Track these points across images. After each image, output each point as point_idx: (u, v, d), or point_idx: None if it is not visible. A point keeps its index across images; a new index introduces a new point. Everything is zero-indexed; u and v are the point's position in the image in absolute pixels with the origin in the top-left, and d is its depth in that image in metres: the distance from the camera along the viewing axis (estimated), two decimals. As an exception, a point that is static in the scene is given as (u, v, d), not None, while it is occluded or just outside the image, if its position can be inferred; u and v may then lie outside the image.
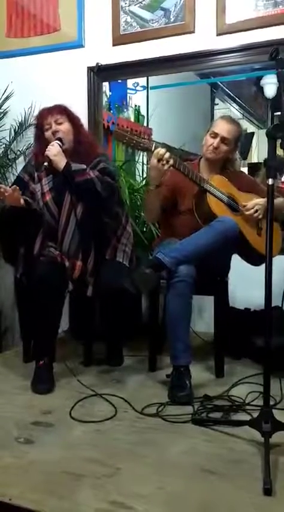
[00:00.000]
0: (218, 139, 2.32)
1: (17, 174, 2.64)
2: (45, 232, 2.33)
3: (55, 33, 3.14)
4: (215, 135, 2.33)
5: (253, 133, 4.82)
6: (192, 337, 2.27)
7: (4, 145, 3.20)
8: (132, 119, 3.65)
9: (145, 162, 3.29)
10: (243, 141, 2.70)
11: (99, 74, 3.02)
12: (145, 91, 3.62)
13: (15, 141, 3.21)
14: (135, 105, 3.66)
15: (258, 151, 4.81)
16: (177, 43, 2.81)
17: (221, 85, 4.66)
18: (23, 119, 3.15)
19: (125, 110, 3.58)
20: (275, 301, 1.71)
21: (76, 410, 1.91)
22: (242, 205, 2.34)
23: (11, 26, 3.24)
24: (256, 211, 2.32)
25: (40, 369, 2.17)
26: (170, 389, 2.05)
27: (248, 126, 5.24)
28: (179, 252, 2.09)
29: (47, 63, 3.17)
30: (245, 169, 3.47)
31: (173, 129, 3.92)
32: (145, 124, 3.70)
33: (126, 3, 2.94)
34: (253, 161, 4.58)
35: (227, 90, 4.85)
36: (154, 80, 3.51)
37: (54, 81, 3.12)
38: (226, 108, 5.02)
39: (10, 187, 2.20)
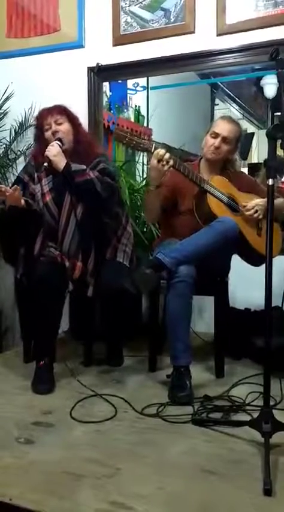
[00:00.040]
0: (219, 139, 2.32)
1: (17, 175, 2.64)
2: (45, 233, 2.33)
3: (55, 34, 3.14)
4: (216, 135, 2.33)
5: (253, 134, 4.81)
6: (192, 338, 2.27)
7: (4, 146, 3.21)
8: (132, 119, 3.65)
9: (145, 162, 3.29)
10: (243, 142, 2.69)
11: (99, 74, 3.02)
12: (146, 91, 3.63)
13: (15, 142, 3.21)
14: (135, 106, 3.67)
15: (258, 152, 4.80)
16: (177, 43, 2.82)
17: (222, 85, 4.66)
18: (23, 119, 3.15)
19: (125, 110, 3.58)
20: (276, 302, 1.72)
21: (77, 410, 1.91)
22: (242, 206, 2.34)
23: (11, 27, 3.24)
24: (256, 211, 2.32)
25: (40, 369, 2.17)
26: (170, 389, 2.05)
27: (248, 127, 5.24)
28: (179, 252, 2.09)
29: (47, 63, 3.17)
30: (245, 170, 3.47)
31: (173, 130, 3.92)
32: (145, 124, 3.70)
33: (126, 4, 2.94)
34: (253, 161, 4.58)
35: (227, 91, 4.86)
36: (154, 80, 3.51)
37: (54, 82, 3.12)
38: (226, 109, 5.02)
39: (10, 187, 2.20)
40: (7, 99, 3.19)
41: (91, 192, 2.19)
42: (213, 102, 4.78)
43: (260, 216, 2.32)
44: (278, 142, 1.60)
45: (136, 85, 3.57)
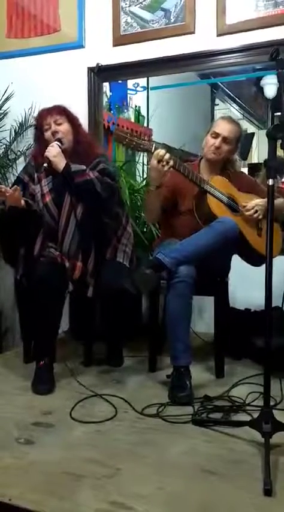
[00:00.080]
0: (219, 139, 2.32)
1: (17, 175, 2.64)
2: (45, 233, 2.33)
3: (55, 34, 3.14)
4: (216, 135, 2.33)
5: (253, 134, 4.82)
6: (192, 338, 2.27)
7: (4, 146, 3.21)
8: (132, 120, 3.65)
9: (145, 162, 3.29)
10: (243, 142, 2.69)
11: (99, 74, 3.03)
12: (146, 91, 3.63)
13: (15, 142, 3.21)
14: (136, 106, 3.67)
15: (258, 152, 4.81)
16: (177, 44, 2.82)
17: (222, 85, 4.67)
18: (23, 120, 3.15)
19: (125, 111, 3.58)
20: (276, 302, 1.72)
21: (77, 410, 1.91)
22: (242, 206, 2.34)
23: (11, 27, 3.25)
24: (256, 211, 2.32)
25: (40, 370, 2.17)
26: (170, 389, 2.05)
27: (249, 127, 5.24)
28: (179, 252, 2.09)
29: (47, 63, 3.17)
30: (245, 170, 3.47)
31: (173, 130, 3.92)
32: (145, 124, 3.70)
33: (126, 4, 2.94)
34: (253, 162, 4.58)
35: (227, 91, 4.86)
36: (154, 81, 3.51)
37: (54, 82, 3.12)
38: (226, 109, 5.02)
39: (10, 188, 2.20)
40: (7, 99, 3.19)
41: (91, 193, 2.19)
42: (213, 102, 4.79)
43: (260, 216, 2.32)
44: (279, 142, 1.60)
45: (136, 85, 3.57)
